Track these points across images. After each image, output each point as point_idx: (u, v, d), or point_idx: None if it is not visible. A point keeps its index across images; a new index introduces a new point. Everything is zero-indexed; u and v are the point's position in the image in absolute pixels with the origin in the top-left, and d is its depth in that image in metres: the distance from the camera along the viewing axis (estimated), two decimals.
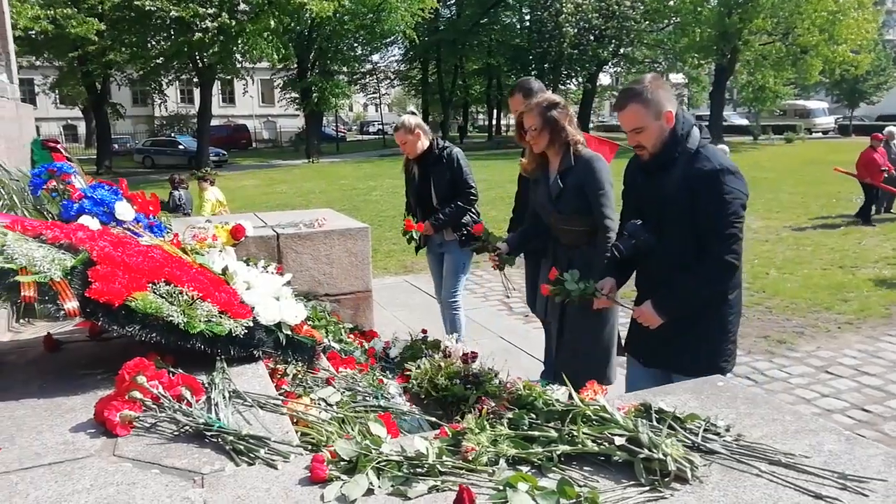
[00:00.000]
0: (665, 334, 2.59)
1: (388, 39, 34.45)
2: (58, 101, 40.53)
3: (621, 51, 38.50)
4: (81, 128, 46.08)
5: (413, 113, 4.69)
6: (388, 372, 3.46)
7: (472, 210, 4.59)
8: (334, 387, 2.58)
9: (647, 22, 36.69)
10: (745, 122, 42.62)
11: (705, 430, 1.60)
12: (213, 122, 31.90)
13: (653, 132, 2.46)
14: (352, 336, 4.23)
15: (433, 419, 2.54)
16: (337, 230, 5.48)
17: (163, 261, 2.30)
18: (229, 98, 51.90)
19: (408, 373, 3.30)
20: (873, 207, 12.17)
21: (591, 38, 36.52)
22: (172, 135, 39.96)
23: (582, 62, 37.41)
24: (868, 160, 11.84)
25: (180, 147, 34.21)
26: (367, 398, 2.68)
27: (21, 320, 2.88)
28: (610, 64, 40.35)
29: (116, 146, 37.07)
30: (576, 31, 35.39)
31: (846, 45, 28.58)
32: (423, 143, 4.53)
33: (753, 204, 14.20)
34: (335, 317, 4.53)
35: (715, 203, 2.38)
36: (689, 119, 2.54)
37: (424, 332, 3.98)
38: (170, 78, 32.14)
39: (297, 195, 19.40)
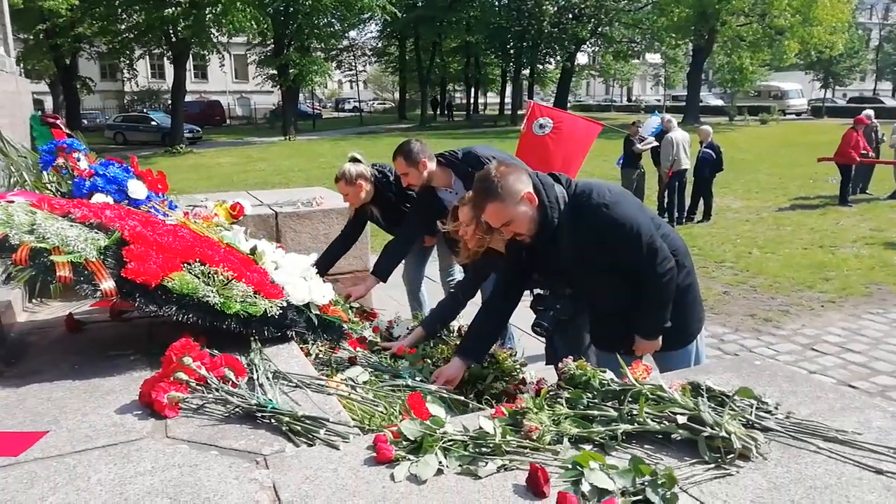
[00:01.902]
0: None
1: (366, 15, 33.93)
2: (23, 75, 39.17)
3: (599, 30, 38.45)
4: (48, 103, 44.65)
5: (356, 160, 4.26)
6: None
7: None
8: (361, 366, 2.58)
9: (625, 1, 36.66)
10: (720, 102, 43.03)
11: (757, 408, 1.64)
12: (186, 98, 31.20)
13: (522, 219, 2.36)
14: (356, 317, 4.22)
15: (461, 398, 2.55)
16: (335, 209, 5.44)
17: (192, 240, 2.26)
18: (202, 74, 50.80)
19: (422, 352, 3.31)
20: (849, 188, 12.46)
21: (570, 16, 36.41)
22: (145, 110, 39.07)
23: (560, 41, 37.31)
24: (854, 141, 12.10)
25: (153, 123, 33.50)
26: (391, 377, 2.68)
27: (34, 300, 2.82)
28: (588, 43, 40.29)
29: (86, 122, 36.15)
30: (555, 9, 35.25)
31: (821, 27, 28.92)
32: (367, 190, 4.19)
33: (732, 185, 14.48)
34: (339, 297, 4.51)
35: (619, 238, 2.36)
36: (546, 181, 2.44)
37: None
38: (141, 52, 31.33)
39: (275, 173, 19.15)
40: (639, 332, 2.61)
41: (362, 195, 4.21)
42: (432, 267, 5.09)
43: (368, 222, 4.68)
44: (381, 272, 3.99)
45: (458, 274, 4.91)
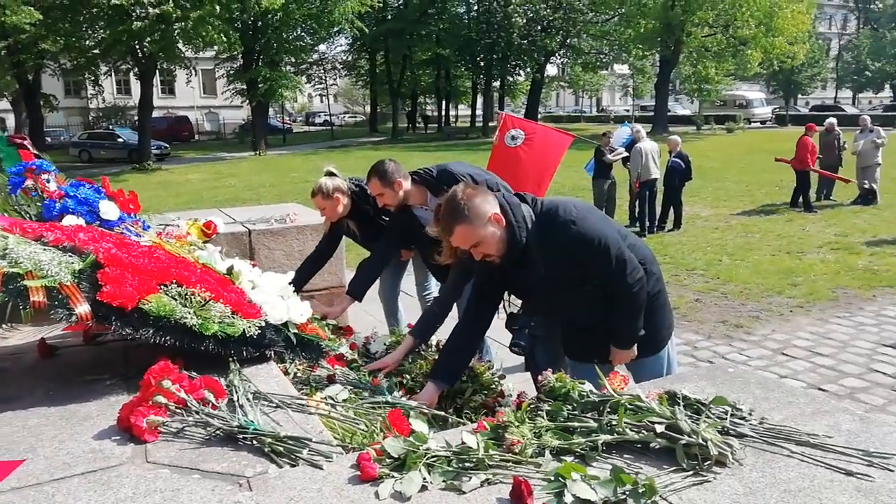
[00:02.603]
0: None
1: (336, 29, 34.00)
2: None
3: (568, 41, 39.02)
4: (10, 120, 43.73)
5: (331, 174, 4.25)
6: None
7: None
8: (340, 384, 2.58)
9: (593, 13, 37.30)
10: (688, 112, 43.86)
11: (732, 415, 1.68)
12: (153, 114, 30.84)
13: (490, 240, 2.37)
14: (333, 334, 4.20)
15: (440, 413, 2.56)
16: (310, 225, 5.42)
17: (168, 261, 2.25)
18: (169, 89, 50.28)
19: (400, 368, 3.32)
20: (812, 194, 12.81)
21: (539, 28, 36.89)
22: (111, 127, 38.50)
23: (530, 52, 37.79)
24: (810, 146, 12.50)
25: (120, 140, 33.02)
26: (370, 394, 2.68)
27: (3, 325, 2.76)
28: (557, 55, 40.83)
29: (50, 139, 35.53)
30: (524, 21, 35.71)
31: (783, 37, 29.74)
32: (345, 204, 4.19)
33: (701, 192, 14.78)
34: (315, 313, 4.49)
35: (588, 252, 2.40)
36: (513, 201, 2.48)
37: (410, 326, 3.98)
38: (107, 68, 30.93)
39: (246, 189, 19.01)
40: (614, 343, 2.65)
41: (339, 209, 4.18)
42: (408, 282, 5.10)
43: (344, 238, 4.67)
44: (356, 292, 3.96)
45: (434, 289, 4.92)
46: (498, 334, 5.59)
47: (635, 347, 2.64)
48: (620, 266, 2.44)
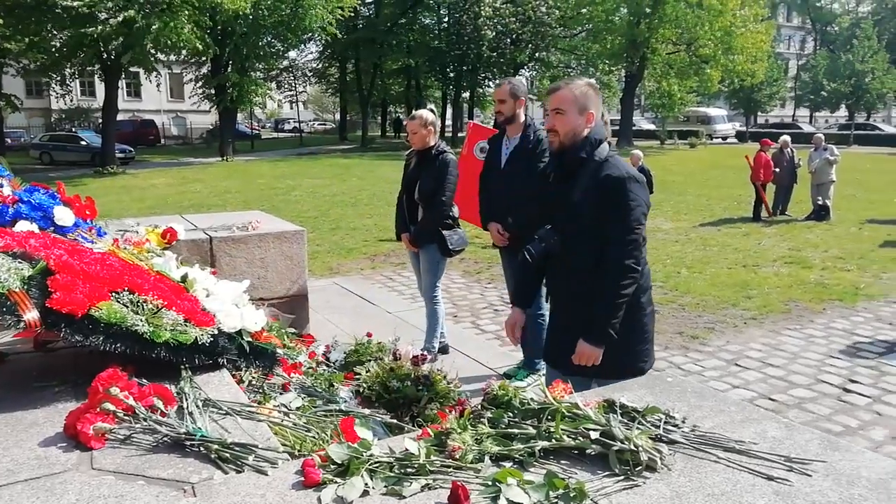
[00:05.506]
0: None
1: (306, 36, 33.88)
2: None
3: (537, 55, 39.54)
4: None
5: (432, 111, 5.08)
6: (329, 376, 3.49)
7: (443, 219, 4.86)
8: (294, 392, 2.60)
9: (561, 28, 37.87)
10: (652, 126, 44.77)
11: (665, 423, 1.76)
12: (118, 117, 30.30)
13: (570, 121, 2.62)
14: (293, 342, 4.21)
15: (394, 421, 2.61)
16: (272, 233, 5.40)
17: (121, 269, 2.26)
18: (135, 92, 49.51)
19: (357, 376, 3.36)
20: (769, 208, 13.24)
21: (509, 41, 37.34)
22: (74, 129, 37.74)
23: (500, 65, 38.18)
24: (766, 162, 12.96)
25: (82, 143, 32.39)
26: (325, 403, 2.71)
27: None
28: (526, 67, 41.32)
29: (10, 140, 34.70)
30: (494, 34, 36.10)
31: (743, 56, 30.61)
32: (430, 140, 4.79)
33: (663, 206, 15.02)
34: (274, 321, 4.50)
35: (619, 208, 2.54)
36: (601, 132, 2.68)
37: (369, 335, 4.02)
38: (72, 70, 30.31)
39: (212, 195, 18.78)
40: (583, 335, 2.57)
41: (428, 140, 4.77)
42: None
43: (308, 243, 4.75)
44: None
45: (439, 293, 5.10)
46: (467, 345, 5.64)
47: (601, 352, 2.54)
48: (629, 242, 2.53)
